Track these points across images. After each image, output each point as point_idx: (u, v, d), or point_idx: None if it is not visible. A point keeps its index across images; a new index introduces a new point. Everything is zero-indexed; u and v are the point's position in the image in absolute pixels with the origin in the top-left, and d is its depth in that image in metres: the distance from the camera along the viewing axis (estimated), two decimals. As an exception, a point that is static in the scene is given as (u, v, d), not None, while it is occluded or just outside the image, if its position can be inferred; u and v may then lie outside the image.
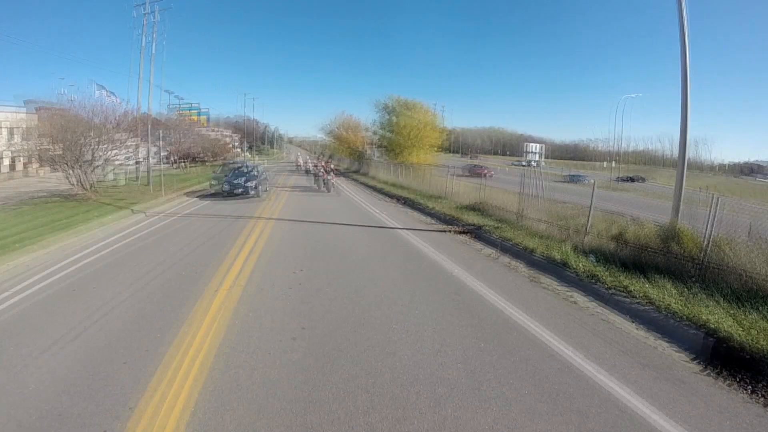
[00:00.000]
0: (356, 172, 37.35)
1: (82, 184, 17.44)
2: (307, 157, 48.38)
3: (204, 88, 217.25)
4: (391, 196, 21.70)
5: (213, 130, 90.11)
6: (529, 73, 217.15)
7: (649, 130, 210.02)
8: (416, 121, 28.67)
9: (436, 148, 31.26)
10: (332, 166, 26.28)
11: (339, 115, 51.47)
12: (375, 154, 39.89)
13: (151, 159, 24.42)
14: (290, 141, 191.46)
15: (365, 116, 69.92)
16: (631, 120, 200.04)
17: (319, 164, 24.81)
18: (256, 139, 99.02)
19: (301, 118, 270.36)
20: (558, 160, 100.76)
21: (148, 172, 23.18)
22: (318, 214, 16.08)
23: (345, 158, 50.12)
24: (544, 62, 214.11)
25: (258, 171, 22.71)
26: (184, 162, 38.75)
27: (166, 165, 35.39)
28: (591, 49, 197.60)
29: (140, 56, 23.16)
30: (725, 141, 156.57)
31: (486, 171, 38.99)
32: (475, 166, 46.96)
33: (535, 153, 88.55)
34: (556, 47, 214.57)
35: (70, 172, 17.02)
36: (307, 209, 17.42)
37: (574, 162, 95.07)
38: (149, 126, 23.57)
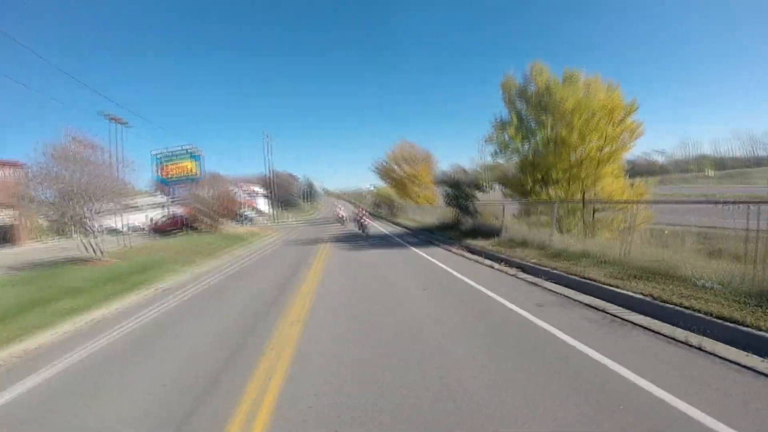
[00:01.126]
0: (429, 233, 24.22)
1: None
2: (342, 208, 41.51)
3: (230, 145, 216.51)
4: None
5: (239, 186, 79.87)
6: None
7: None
8: (595, 101, 12.25)
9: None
10: (365, 211, 25.39)
11: (398, 146, 38.74)
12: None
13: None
14: (327, 193, 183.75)
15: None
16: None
17: (360, 211, 24.47)
18: (278, 192, 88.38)
19: (340, 170, 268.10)
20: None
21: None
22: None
23: (406, 206, 36.50)
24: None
25: None
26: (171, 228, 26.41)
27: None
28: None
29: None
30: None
31: None
32: None
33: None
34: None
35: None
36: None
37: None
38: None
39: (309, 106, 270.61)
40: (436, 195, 42.14)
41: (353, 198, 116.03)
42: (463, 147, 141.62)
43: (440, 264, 10.60)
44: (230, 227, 28.87)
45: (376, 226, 28.62)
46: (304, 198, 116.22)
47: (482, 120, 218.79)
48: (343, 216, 34.71)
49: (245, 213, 63.35)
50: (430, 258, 11.83)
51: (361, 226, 22.14)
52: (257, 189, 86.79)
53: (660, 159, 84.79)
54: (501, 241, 11.97)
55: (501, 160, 15.88)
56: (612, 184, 12.48)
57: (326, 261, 12.94)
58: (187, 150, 36.13)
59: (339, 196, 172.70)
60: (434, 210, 26.73)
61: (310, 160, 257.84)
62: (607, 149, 12.51)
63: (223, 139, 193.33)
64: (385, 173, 40.65)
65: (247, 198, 79.40)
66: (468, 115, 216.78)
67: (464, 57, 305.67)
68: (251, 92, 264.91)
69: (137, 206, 46.63)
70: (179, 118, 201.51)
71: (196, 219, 28.38)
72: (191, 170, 34.96)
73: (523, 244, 10.75)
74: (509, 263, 9.33)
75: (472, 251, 12.03)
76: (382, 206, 53.11)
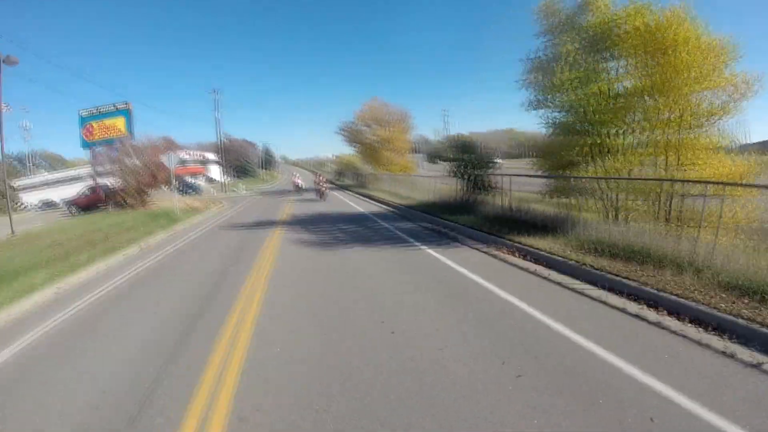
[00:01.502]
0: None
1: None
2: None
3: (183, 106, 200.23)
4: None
5: (185, 152, 71.75)
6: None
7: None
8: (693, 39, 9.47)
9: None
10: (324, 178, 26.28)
11: (368, 104, 33.56)
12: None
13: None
14: (287, 161, 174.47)
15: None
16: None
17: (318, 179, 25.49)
18: (232, 159, 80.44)
19: (301, 139, 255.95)
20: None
21: None
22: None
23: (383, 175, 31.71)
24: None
25: None
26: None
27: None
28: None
29: None
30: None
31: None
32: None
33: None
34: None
35: None
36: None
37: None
38: None
39: (267, 67, 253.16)
40: (414, 163, 37.61)
41: (314, 166, 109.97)
42: (427, 116, 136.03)
43: (577, 337, 4.98)
44: (165, 200, 23.06)
45: (345, 201, 23.66)
46: (262, 166, 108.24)
47: (448, 88, 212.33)
48: (300, 185, 32.40)
49: (191, 182, 56.27)
50: (504, 294, 5.61)
51: (320, 194, 23.73)
52: (210, 156, 78.70)
53: None
54: (580, 242, 7.27)
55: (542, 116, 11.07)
56: (710, 159, 8.14)
57: (268, 283, 7.06)
58: (114, 105, 29.06)
59: (297, 164, 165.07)
60: (418, 182, 22.05)
61: (269, 128, 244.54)
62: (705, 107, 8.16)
63: (177, 103, 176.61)
64: (352, 136, 35.31)
65: (197, 165, 71.70)
66: (433, 83, 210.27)
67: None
68: (205, 51, 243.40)
69: (73, 177, 39.09)
70: (122, 77, 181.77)
71: (117, 192, 22.33)
72: (119, 129, 28.16)
73: (642, 255, 6.00)
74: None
75: (559, 267, 6.59)
76: (347, 175, 47.78)
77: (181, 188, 47.96)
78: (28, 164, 61.63)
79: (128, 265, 10.08)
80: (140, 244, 13.20)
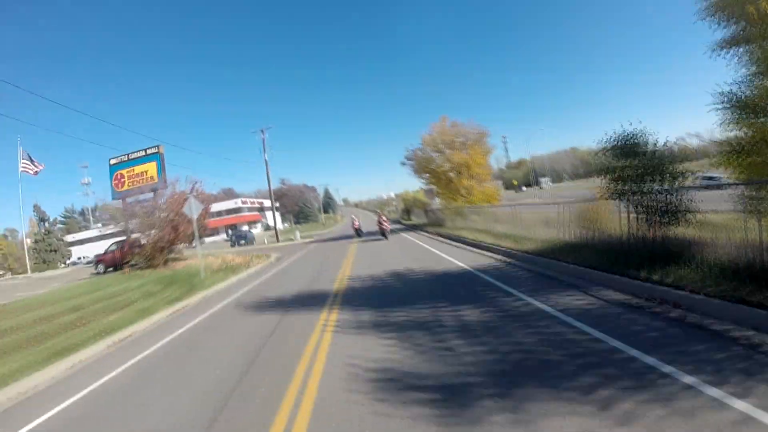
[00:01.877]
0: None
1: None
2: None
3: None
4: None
5: (243, 201, 70.09)
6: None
7: None
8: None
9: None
10: (385, 218, 24.93)
11: (437, 125, 27.75)
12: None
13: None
14: (347, 204, 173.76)
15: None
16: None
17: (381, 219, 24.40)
18: (289, 204, 77.40)
19: (361, 180, 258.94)
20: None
21: None
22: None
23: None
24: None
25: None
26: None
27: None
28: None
29: None
30: None
31: None
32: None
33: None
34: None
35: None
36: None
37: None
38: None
39: (327, 108, 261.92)
40: (498, 191, 30.59)
41: (377, 207, 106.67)
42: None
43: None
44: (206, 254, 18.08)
45: (423, 246, 17.04)
46: (322, 210, 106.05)
47: (505, 112, 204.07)
48: (359, 228, 29.02)
49: (245, 231, 53.02)
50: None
51: (383, 233, 23.37)
52: (267, 202, 76.88)
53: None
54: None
55: None
56: None
57: None
58: (145, 150, 25.63)
59: (359, 206, 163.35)
60: (521, 214, 14.76)
61: (330, 172, 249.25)
62: None
63: (232, 148, 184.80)
64: (421, 165, 29.11)
65: (254, 213, 69.75)
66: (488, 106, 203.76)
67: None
68: (261, 93, 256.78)
69: (113, 232, 36.05)
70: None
71: (135, 250, 17.70)
72: (150, 176, 24.32)
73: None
74: None
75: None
76: (415, 213, 41.49)
77: (232, 238, 44.57)
78: (90, 218, 62.64)
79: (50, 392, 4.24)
80: (115, 337, 7.80)
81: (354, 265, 13.72)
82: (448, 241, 17.95)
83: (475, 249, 14.02)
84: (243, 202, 69.09)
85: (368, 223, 40.48)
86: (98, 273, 22.79)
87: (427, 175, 29.72)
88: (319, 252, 22.04)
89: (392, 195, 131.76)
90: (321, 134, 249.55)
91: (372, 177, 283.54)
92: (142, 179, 24.00)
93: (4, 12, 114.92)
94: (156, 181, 23.66)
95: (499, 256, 11.63)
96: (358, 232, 28.38)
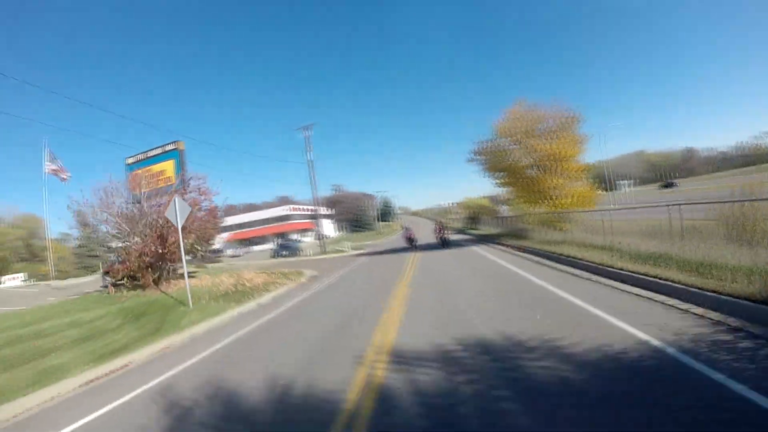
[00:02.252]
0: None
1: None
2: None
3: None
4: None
5: (293, 209, 67.11)
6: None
7: None
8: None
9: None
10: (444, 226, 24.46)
11: (513, 110, 21.86)
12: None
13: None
14: (406, 212, 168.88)
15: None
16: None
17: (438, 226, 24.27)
18: (344, 212, 73.04)
19: (422, 189, 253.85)
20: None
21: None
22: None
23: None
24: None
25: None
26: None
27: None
28: None
29: None
30: None
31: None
32: None
33: None
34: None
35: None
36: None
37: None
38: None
39: (390, 114, 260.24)
40: (595, 191, 23.79)
41: (437, 214, 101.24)
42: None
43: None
44: (223, 267, 13.72)
45: (513, 269, 10.96)
46: (380, 218, 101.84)
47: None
48: (413, 238, 26.03)
49: (291, 240, 49.46)
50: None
51: (443, 242, 22.55)
52: (321, 210, 73.82)
53: None
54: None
55: None
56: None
57: None
58: (162, 147, 22.23)
59: (418, 214, 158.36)
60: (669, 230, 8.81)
61: (390, 180, 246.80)
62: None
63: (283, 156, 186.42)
64: (493, 161, 23.08)
65: (306, 221, 66.68)
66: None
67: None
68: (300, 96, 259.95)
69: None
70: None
71: (120, 268, 13.72)
72: (168, 176, 20.74)
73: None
74: None
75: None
76: (482, 221, 35.13)
77: (275, 249, 40.95)
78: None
79: None
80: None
81: (407, 308, 8.20)
82: (549, 263, 11.88)
83: (615, 283, 7.94)
84: (294, 209, 66.23)
85: (428, 231, 35.10)
86: (105, 286, 19.34)
87: (502, 173, 23.63)
88: (364, 272, 16.85)
89: (452, 203, 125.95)
90: (379, 142, 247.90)
91: (431, 185, 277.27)
92: (159, 180, 20.38)
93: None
94: (173, 182, 20.00)
95: (691, 306, 5.64)
96: (412, 242, 25.16)
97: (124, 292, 13.71)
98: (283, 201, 77.81)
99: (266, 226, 62.05)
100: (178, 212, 11.15)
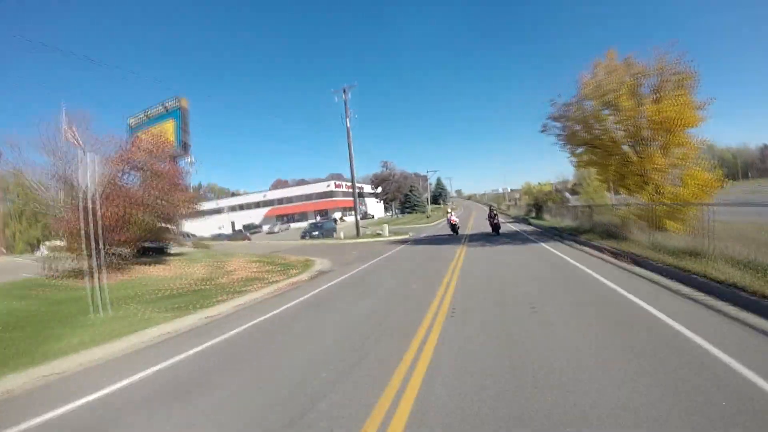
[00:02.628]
0: None
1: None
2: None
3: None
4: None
5: (337, 186, 63.70)
6: None
7: None
8: None
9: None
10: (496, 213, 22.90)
11: (603, 64, 16.06)
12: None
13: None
14: (460, 195, 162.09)
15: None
16: None
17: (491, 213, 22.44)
18: (390, 191, 67.95)
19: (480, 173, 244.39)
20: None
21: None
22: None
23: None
24: None
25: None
26: None
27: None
28: None
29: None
30: None
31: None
32: None
33: None
34: None
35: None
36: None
37: None
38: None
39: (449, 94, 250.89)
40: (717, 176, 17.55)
41: (491, 200, 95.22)
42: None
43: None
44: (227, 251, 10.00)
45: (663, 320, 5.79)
46: (433, 200, 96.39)
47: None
48: (456, 224, 24.12)
49: (327, 219, 46.01)
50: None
51: (495, 228, 21.62)
52: (366, 188, 69.89)
53: None
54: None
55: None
56: None
57: None
58: (164, 104, 18.84)
59: (472, 199, 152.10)
60: None
61: (446, 162, 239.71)
62: None
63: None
64: (576, 130, 17.40)
65: (350, 199, 63.07)
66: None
67: None
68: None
69: None
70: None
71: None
72: (167, 137, 17.38)
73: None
74: None
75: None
76: (550, 211, 28.96)
77: (308, 228, 37.52)
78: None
79: None
80: None
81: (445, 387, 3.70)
82: (717, 303, 6.53)
83: None
84: (337, 186, 62.72)
85: (481, 218, 30.18)
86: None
87: (585, 147, 17.91)
88: (393, 269, 12.37)
89: (508, 189, 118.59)
90: (436, 123, 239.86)
91: (488, 169, 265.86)
92: (158, 141, 17.06)
93: None
94: (173, 146, 16.63)
95: None
96: (455, 229, 23.54)
97: (60, 281, 10.35)
98: (334, 177, 74.77)
99: (308, 201, 59.19)
100: (88, 173, 7.35)
